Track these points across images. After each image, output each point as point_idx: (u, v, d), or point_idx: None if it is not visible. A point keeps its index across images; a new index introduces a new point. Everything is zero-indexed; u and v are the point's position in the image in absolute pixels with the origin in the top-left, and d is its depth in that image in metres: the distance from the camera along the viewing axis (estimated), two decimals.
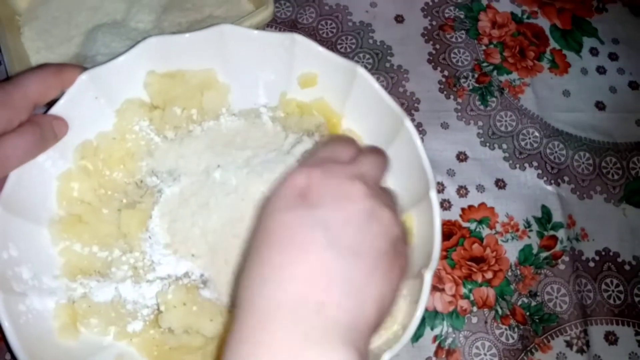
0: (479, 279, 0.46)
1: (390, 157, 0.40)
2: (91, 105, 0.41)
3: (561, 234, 0.49)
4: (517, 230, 0.48)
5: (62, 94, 0.39)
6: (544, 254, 0.48)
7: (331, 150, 0.31)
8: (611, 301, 0.47)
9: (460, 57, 0.56)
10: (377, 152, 0.33)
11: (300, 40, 0.43)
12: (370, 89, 0.42)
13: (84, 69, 0.40)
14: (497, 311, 0.46)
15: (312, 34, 0.56)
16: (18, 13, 0.53)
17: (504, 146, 0.52)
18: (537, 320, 0.46)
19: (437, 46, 0.56)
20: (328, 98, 0.46)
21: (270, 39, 0.44)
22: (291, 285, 0.25)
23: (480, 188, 0.50)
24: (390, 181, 0.43)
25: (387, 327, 0.37)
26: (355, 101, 0.44)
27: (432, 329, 0.45)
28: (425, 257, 0.37)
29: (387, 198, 0.30)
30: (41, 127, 0.37)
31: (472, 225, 0.48)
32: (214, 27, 0.42)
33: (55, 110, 0.39)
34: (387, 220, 0.28)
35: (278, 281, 0.25)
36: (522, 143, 0.52)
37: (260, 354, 0.24)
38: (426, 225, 0.39)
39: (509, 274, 0.47)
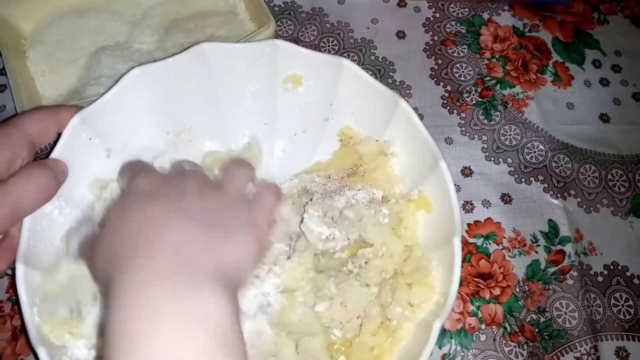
0: (487, 296, 0.46)
1: (391, 139, 0.43)
2: (86, 148, 0.41)
3: (569, 248, 0.48)
4: (525, 245, 0.48)
5: (58, 136, 0.39)
6: (552, 269, 0.47)
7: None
8: (621, 316, 0.47)
9: (463, 71, 0.56)
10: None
11: (281, 45, 0.44)
12: (358, 79, 0.43)
13: (79, 108, 0.40)
14: (505, 328, 0.45)
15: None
16: (23, 37, 0.54)
17: (509, 160, 0.52)
18: (546, 337, 0.45)
19: (439, 61, 0.57)
20: (317, 97, 0.46)
21: (251, 49, 0.44)
22: (159, 250, 0.30)
23: (486, 203, 0.50)
24: (396, 164, 0.44)
25: (427, 299, 0.38)
26: (345, 94, 0.45)
27: (440, 347, 0.44)
28: (449, 226, 0.38)
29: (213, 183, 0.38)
30: (51, 169, 0.37)
31: (479, 241, 0.48)
32: (194, 47, 0.43)
33: (53, 156, 0.38)
34: (220, 194, 0.36)
35: (147, 251, 0.30)
36: (527, 157, 0.52)
37: (137, 310, 0.27)
38: (441, 196, 0.40)
39: (517, 290, 0.46)
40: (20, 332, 0.43)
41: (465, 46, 0.57)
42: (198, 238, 0.31)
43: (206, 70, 0.44)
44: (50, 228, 0.38)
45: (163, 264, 0.29)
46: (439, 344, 0.44)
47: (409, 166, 0.44)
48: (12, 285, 0.45)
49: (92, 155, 0.41)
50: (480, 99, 0.55)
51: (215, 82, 0.45)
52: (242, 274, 0.33)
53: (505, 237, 0.48)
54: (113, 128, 0.42)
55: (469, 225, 0.49)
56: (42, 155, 0.39)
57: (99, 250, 0.33)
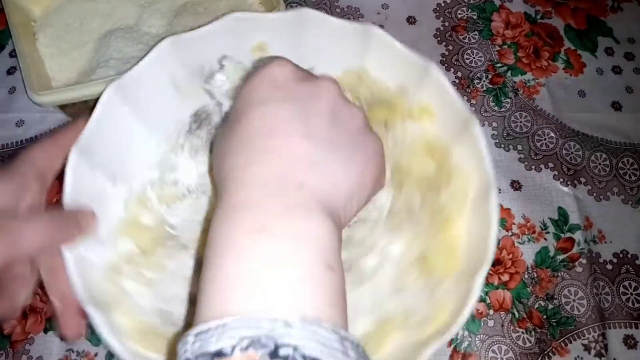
0: (495, 282, 0.46)
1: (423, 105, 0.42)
2: (91, 182, 0.38)
3: (578, 236, 0.48)
4: (534, 232, 0.48)
5: None
6: (560, 257, 0.47)
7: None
8: (630, 304, 0.46)
9: (474, 57, 0.56)
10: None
11: (311, 15, 0.42)
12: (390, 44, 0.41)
13: (77, 131, 0.38)
14: (513, 314, 0.45)
15: None
16: (33, 20, 0.54)
17: (519, 147, 0.52)
18: (554, 324, 0.45)
19: (450, 47, 0.56)
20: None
21: (277, 19, 0.43)
22: (275, 166, 0.28)
23: None
24: (428, 129, 0.42)
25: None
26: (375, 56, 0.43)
27: None
28: (483, 181, 0.37)
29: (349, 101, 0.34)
30: (63, 217, 0.35)
31: None
32: (227, 16, 0.41)
33: (64, 200, 0.36)
34: (354, 116, 0.32)
35: (263, 162, 0.28)
36: (538, 144, 0.52)
37: (245, 219, 0.26)
38: (473, 155, 0.39)
39: (526, 276, 0.46)
40: (30, 310, 0.44)
41: (476, 32, 0.57)
42: (317, 163, 0.29)
43: (235, 40, 0.43)
44: (90, 268, 0.37)
45: (276, 181, 0.28)
46: None
47: (440, 133, 0.43)
48: None
49: (99, 188, 0.39)
50: (491, 86, 0.54)
51: (241, 52, 0.44)
52: (350, 211, 0.31)
53: (514, 224, 0.48)
54: (146, 101, 0.41)
55: None
56: None
57: (220, 141, 0.32)
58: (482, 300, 0.45)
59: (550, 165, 0.51)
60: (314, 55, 0.45)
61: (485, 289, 0.46)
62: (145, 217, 0.41)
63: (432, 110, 0.42)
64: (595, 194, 0.50)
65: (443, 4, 0.59)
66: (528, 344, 0.44)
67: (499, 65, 0.55)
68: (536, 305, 0.45)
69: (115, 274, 0.38)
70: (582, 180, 0.51)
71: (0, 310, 0.34)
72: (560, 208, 0.49)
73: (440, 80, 0.41)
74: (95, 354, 0.43)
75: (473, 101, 0.53)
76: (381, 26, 0.56)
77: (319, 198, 0.28)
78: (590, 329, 0.45)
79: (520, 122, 0.53)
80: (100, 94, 0.43)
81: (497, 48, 0.56)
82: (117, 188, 0.41)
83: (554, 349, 0.44)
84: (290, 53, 0.45)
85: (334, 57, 0.45)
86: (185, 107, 0.45)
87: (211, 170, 0.34)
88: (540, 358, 0.44)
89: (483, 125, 0.52)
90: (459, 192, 0.39)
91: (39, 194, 0.35)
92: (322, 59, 0.45)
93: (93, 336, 0.43)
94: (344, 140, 0.31)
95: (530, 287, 0.46)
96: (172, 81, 0.43)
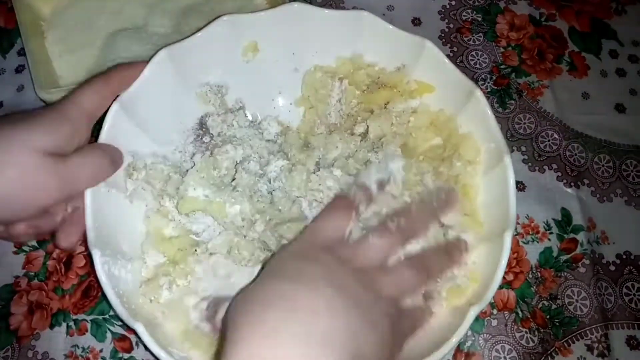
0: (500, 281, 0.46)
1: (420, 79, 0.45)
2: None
3: (581, 236, 0.48)
4: (538, 232, 0.48)
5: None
6: (564, 257, 0.47)
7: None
8: (632, 305, 0.47)
9: (478, 59, 0.56)
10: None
11: (300, 9, 0.44)
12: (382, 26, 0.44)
13: (129, 69, 0.41)
14: (517, 314, 0.45)
15: None
16: (42, 19, 0.55)
17: (523, 149, 0.52)
18: (557, 324, 0.45)
19: (455, 49, 0.56)
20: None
21: (266, 17, 0.44)
22: (299, 318, 0.28)
23: None
24: (432, 99, 0.45)
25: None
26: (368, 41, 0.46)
27: None
28: (493, 146, 0.40)
29: None
30: (105, 150, 0.39)
31: None
32: (216, 20, 0.44)
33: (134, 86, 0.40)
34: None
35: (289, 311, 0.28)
36: (542, 145, 0.52)
37: None
38: (479, 123, 0.41)
39: (530, 276, 0.46)
40: (36, 306, 0.44)
41: (481, 34, 0.57)
42: (344, 320, 0.29)
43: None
44: (125, 286, 0.38)
45: (297, 342, 0.27)
46: None
47: (444, 104, 0.45)
48: (29, 261, 0.46)
49: (120, 205, 0.41)
50: (495, 87, 0.55)
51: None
52: None
53: (519, 223, 0.48)
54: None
55: None
56: None
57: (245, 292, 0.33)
58: None
59: (554, 166, 0.51)
60: (307, 47, 0.46)
61: None
62: (169, 228, 0.42)
63: (432, 85, 0.44)
64: (598, 195, 0.51)
65: (448, 6, 0.59)
66: (531, 344, 0.44)
67: (503, 67, 0.56)
68: (540, 305, 0.46)
69: (148, 287, 0.39)
70: (586, 181, 0.51)
71: (47, 226, 0.38)
72: (563, 209, 0.49)
73: (437, 55, 0.43)
74: (101, 350, 0.43)
75: None
76: None
77: None
78: (593, 329, 0.45)
79: (524, 123, 0.53)
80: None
81: (502, 50, 0.57)
82: (135, 203, 0.42)
83: (557, 349, 0.44)
84: (283, 48, 0.46)
85: (327, 47, 0.46)
86: (187, 117, 0.46)
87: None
88: (543, 358, 0.44)
89: None
90: (471, 160, 0.40)
91: (86, 135, 0.38)
92: (315, 50, 0.46)
93: (98, 332, 0.43)
94: (364, 298, 0.31)
95: (534, 287, 0.46)
96: (172, 92, 0.44)
